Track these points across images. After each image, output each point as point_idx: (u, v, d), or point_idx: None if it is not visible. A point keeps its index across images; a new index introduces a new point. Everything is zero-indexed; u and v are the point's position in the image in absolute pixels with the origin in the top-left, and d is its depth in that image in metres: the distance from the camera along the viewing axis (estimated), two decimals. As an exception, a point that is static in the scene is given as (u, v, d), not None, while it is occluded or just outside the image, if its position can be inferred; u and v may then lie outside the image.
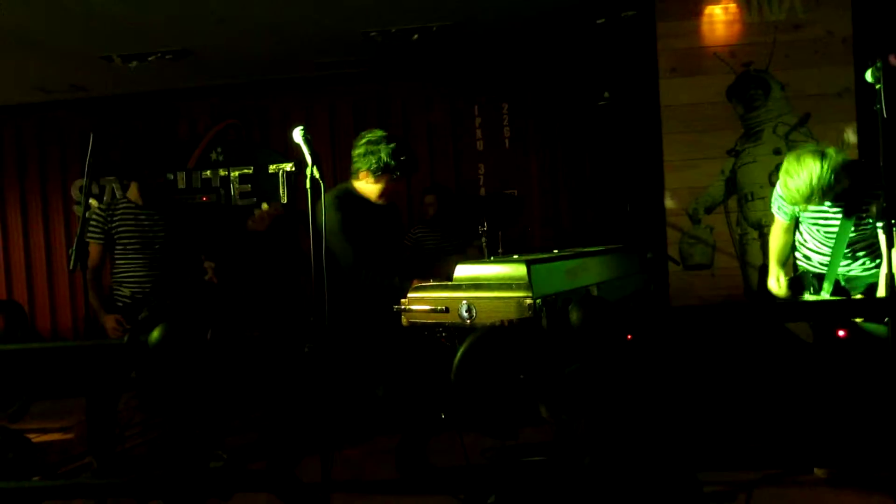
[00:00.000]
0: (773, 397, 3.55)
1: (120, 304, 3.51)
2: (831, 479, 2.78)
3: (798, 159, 2.70)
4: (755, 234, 4.34)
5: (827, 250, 2.96)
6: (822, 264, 3.01)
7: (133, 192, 3.58)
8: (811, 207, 2.85)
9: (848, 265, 2.97)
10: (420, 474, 3.03)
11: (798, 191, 2.69)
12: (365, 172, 3.04)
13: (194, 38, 4.72)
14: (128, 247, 3.52)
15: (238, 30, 4.60)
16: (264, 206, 3.44)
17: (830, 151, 2.69)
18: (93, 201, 3.80)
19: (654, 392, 3.07)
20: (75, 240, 2.76)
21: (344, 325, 4.23)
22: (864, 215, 2.83)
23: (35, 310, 6.08)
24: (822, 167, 2.63)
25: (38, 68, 5.08)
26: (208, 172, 5.96)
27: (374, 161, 2.99)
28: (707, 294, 4.31)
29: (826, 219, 2.92)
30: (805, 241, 3.09)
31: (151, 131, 5.94)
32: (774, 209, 3.11)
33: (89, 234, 3.52)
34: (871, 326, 2.70)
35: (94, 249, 3.52)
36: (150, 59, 4.94)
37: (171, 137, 5.95)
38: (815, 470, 2.82)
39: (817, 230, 2.98)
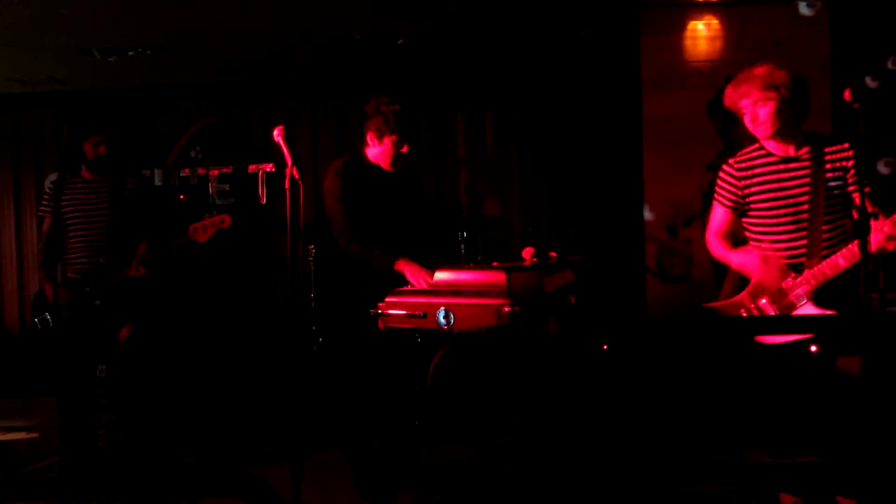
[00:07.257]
0: (744, 409, 3.57)
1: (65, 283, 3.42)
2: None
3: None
4: (732, 247, 4.38)
5: (791, 233, 2.65)
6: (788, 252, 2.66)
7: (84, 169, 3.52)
8: (766, 173, 2.68)
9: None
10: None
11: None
12: (371, 134, 3.08)
13: (175, 35, 4.66)
14: (71, 224, 3.41)
15: (220, 28, 4.55)
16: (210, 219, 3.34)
17: None
18: None
19: (629, 401, 3.08)
20: (45, 234, 2.70)
21: (325, 326, 4.17)
22: (838, 165, 2.55)
23: (4, 306, 5.93)
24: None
25: (15, 60, 4.97)
26: (187, 171, 5.88)
27: (378, 122, 3.06)
28: (684, 305, 4.34)
29: (788, 178, 2.66)
30: (759, 234, 2.77)
31: (129, 127, 5.84)
32: (716, 192, 2.87)
33: (40, 209, 3.58)
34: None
35: (45, 223, 3.47)
36: (129, 53, 4.87)
37: (149, 134, 5.86)
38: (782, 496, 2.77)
39: (776, 205, 2.69)
